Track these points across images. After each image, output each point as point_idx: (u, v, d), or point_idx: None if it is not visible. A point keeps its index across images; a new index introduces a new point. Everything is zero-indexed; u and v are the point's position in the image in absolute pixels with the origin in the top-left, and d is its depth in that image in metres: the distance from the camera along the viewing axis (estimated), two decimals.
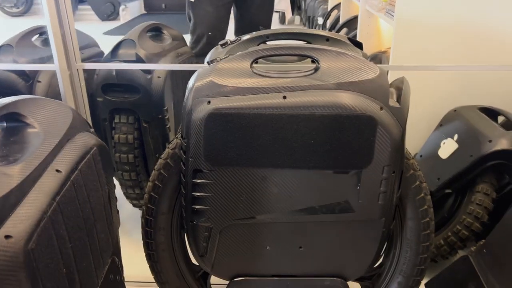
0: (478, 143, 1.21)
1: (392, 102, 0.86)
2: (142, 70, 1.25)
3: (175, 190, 0.96)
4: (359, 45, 1.07)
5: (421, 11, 1.41)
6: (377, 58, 1.11)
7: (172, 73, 1.35)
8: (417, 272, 0.99)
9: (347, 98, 0.83)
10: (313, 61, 0.96)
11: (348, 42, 1.06)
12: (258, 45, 1.08)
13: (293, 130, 0.84)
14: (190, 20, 1.85)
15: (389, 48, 2.02)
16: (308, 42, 1.07)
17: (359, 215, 0.88)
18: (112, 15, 6.20)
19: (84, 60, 1.36)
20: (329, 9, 3.26)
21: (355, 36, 2.20)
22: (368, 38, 2.09)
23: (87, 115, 1.10)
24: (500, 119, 1.34)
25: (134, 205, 1.45)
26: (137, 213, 1.50)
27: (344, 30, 2.55)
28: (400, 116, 0.85)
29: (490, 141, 1.19)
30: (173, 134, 1.37)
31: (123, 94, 1.27)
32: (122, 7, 6.28)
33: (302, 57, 1.02)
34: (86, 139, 0.80)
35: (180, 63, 1.40)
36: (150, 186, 0.97)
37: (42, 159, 0.65)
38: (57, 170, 0.66)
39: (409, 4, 1.41)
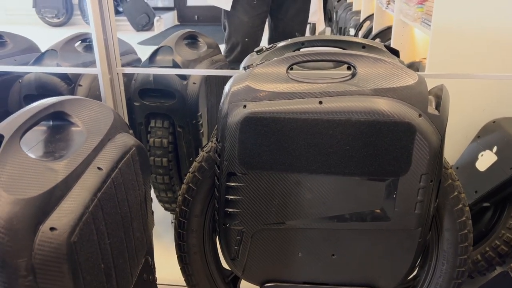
0: None
1: (431, 109, 0.84)
2: (178, 76, 1.28)
3: (209, 193, 0.97)
4: (395, 53, 1.06)
5: (458, 19, 1.38)
6: (414, 66, 1.10)
7: (207, 80, 1.37)
8: (454, 286, 0.95)
9: (384, 104, 0.82)
10: (349, 68, 0.95)
11: (384, 49, 1.05)
12: (293, 51, 1.09)
13: (328, 136, 0.83)
14: (225, 29, 1.88)
15: (424, 58, 1.99)
16: (344, 49, 1.07)
17: (394, 224, 0.87)
18: (147, 25, 6.38)
19: (123, 65, 1.40)
20: (361, 20, 3.24)
21: (389, 46, 2.18)
22: (403, 48, 2.06)
23: (125, 118, 1.13)
24: None
25: (166, 209, 1.47)
26: (169, 216, 1.52)
27: (377, 40, 2.53)
28: (439, 124, 0.83)
29: None
30: (205, 140, 1.38)
31: (159, 99, 1.30)
32: (156, 18, 6.46)
33: (338, 63, 1.02)
34: (126, 139, 0.82)
35: (216, 68, 1.42)
36: (184, 189, 0.98)
37: (85, 157, 0.67)
38: (99, 168, 0.68)
39: (447, 13, 1.39)
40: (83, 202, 0.61)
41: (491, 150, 1.28)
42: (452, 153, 1.50)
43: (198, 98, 1.31)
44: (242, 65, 1.08)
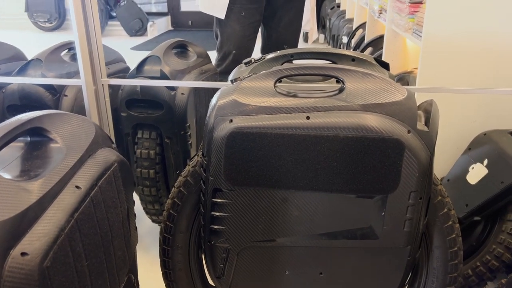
0: (510, 169, 1.15)
1: (420, 125, 0.83)
2: (166, 86, 1.25)
3: (194, 208, 0.95)
4: (385, 66, 1.05)
5: (450, 31, 1.38)
6: (404, 79, 1.09)
7: (196, 90, 1.35)
8: None
9: (373, 120, 0.80)
10: (338, 82, 0.94)
11: (374, 62, 1.04)
12: (282, 64, 1.07)
13: (316, 152, 0.82)
14: (217, 38, 1.86)
15: (416, 68, 1.99)
16: (333, 62, 1.06)
17: (383, 242, 0.85)
18: (140, 30, 6.35)
19: (110, 75, 1.38)
20: (354, 28, 3.24)
21: (380, 56, 2.17)
22: (394, 58, 2.06)
23: (110, 130, 1.10)
24: None
25: (153, 221, 1.45)
26: (156, 228, 1.49)
27: (369, 49, 2.53)
28: (429, 140, 0.82)
29: None
30: (194, 151, 1.36)
31: (147, 109, 1.28)
32: (150, 23, 6.44)
33: (327, 77, 1.00)
34: (108, 155, 0.79)
35: (204, 80, 1.40)
36: (169, 204, 0.96)
37: (62, 175, 0.65)
38: (77, 187, 0.66)
39: (438, 24, 1.38)
40: (58, 223, 0.59)
41: (482, 163, 1.27)
42: (442, 165, 1.49)
43: (187, 108, 1.29)
44: (230, 77, 1.06)
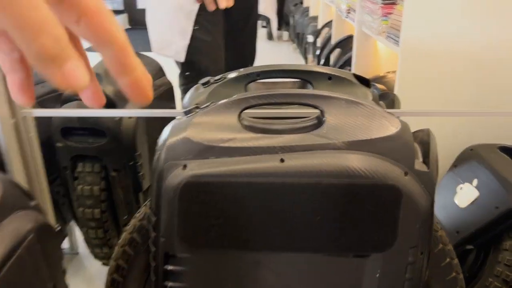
0: (504, 193, 1.04)
1: (419, 164, 0.68)
2: (107, 107, 1.05)
3: (145, 272, 0.77)
4: (366, 83, 0.90)
5: (430, 37, 1.25)
6: (389, 97, 0.94)
7: (147, 108, 1.15)
8: None
9: (361, 162, 0.64)
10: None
11: (354, 80, 0.88)
12: (247, 84, 0.90)
13: (293, 204, 0.65)
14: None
15: (389, 72, 1.86)
16: (307, 81, 0.90)
17: None
18: None
19: (43, 95, 1.16)
20: (319, 27, 3.11)
21: (350, 58, 2.04)
22: (365, 62, 1.93)
23: (37, 171, 0.89)
24: None
25: (104, 264, 1.25)
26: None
27: (338, 51, 2.40)
28: (429, 182, 0.67)
29: None
30: (147, 183, 1.17)
31: (87, 138, 1.08)
32: None
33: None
34: (20, 223, 0.60)
35: (157, 97, 1.21)
36: (112, 267, 0.77)
37: None
38: None
39: (417, 29, 1.25)
40: None
41: (471, 183, 1.15)
42: None
43: (136, 135, 1.09)
44: (184, 103, 0.88)
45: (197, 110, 0.73)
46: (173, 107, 1.34)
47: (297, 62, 4.15)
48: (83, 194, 1.09)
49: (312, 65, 0.94)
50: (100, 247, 1.16)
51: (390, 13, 1.48)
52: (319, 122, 0.69)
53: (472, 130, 1.32)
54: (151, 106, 1.24)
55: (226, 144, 0.66)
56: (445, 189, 1.22)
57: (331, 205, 0.65)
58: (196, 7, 1.43)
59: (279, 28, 5.14)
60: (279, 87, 0.96)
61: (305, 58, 3.53)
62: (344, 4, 2.14)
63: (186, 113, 0.75)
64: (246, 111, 0.69)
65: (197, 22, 1.48)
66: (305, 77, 0.88)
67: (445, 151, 1.35)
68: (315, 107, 0.70)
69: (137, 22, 6.66)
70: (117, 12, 6.62)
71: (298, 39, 3.93)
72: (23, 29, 0.25)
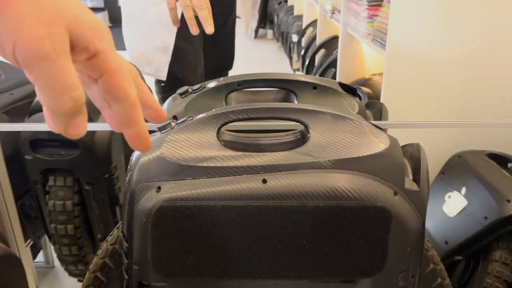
0: (493, 203, 1.01)
1: (409, 183, 0.64)
2: None
3: None
4: (353, 92, 0.86)
5: (418, 41, 1.21)
6: (376, 107, 0.90)
7: None
8: None
9: (348, 182, 0.60)
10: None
11: (340, 90, 0.84)
12: (227, 94, 0.85)
13: (277, 228, 0.60)
14: None
15: (374, 74, 1.83)
16: (290, 91, 0.85)
17: None
18: None
19: (12, 103, 1.09)
20: (303, 26, 3.07)
21: (335, 60, 2.01)
22: (350, 63, 1.90)
23: (2, 189, 0.83)
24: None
25: (80, 281, 1.18)
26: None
27: (322, 51, 2.36)
28: (420, 202, 0.63)
29: (508, 200, 0.99)
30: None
31: (58, 150, 1.01)
32: None
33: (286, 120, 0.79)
34: None
35: None
36: None
37: None
38: None
39: (404, 33, 1.21)
40: None
41: (460, 191, 1.13)
42: None
43: (111, 146, 1.03)
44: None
45: (173, 125, 0.68)
46: None
47: (282, 61, 4.10)
48: (55, 210, 1.03)
49: (296, 74, 0.90)
50: (75, 264, 1.10)
51: (375, 15, 1.45)
52: (304, 138, 0.65)
53: (460, 135, 1.30)
54: None
55: (204, 164, 0.61)
56: (433, 197, 1.20)
57: (317, 228, 0.60)
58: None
59: (263, 27, 5.08)
60: (262, 96, 0.91)
61: (290, 58, 3.49)
62: (329, 4, 2.10)
63: (161, 128, 0.70)
64: (226, 133, 0.64)
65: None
66: (288, 86, 0.83)
67: (433, 157, 1.32)
68: (299, 122, 0.66)
69: (117, 20, 6.52)
70: (97, 9, 6.47)
71: (283, 38, 3.88)
72: (50, 89, 0.30)
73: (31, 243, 1.29)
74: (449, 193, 1.15)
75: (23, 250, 1.11)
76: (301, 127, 0.67)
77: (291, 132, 0.71)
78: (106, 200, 1.07)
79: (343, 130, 0.64)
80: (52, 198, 1.03)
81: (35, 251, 1.40)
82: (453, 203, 1.12)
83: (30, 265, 1.30)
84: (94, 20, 0.35)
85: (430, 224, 1.15)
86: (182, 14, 1.33)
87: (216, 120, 0.66)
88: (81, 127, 0.34)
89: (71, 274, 1.15)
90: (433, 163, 1.28)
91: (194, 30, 1.08)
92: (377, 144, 0.63)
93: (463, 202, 1.10)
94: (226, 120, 0.66)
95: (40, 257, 1.47)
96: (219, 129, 0.65)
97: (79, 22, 0.32)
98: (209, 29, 1.07)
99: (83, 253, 1.09)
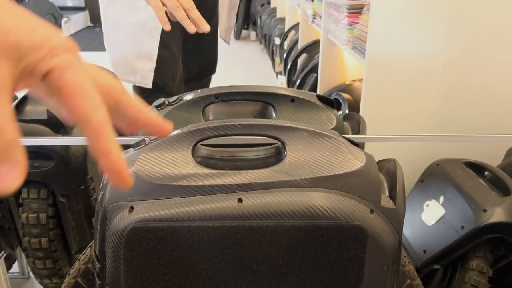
0: (470, 212, 1.02)
1: (385, 200, 0.64)
2: (54, 131, 0.97)
3: None
4: (331, 104, 0.86)
5: (397, 49, 1.22)
6: (354, 119, 0.90)
7: None
8: None
9: (325, 201, 0.60)
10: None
11: (318, 103, 0.84)
12: (204, 107, 0.84)
13: (253, 248, 0.60)
14: None
15: (355, 80, 1.84)
16: (268, 103, 0.85)
17: None
18: None
19: None
20: (286, 30, 3.07)
21: (317, 65, 2.01)
22: (331, 69, 1.90)
23: None
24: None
25: None
26: None
27: (304, 55, 2.37)
28: (396, 220, 0.63)
29: (484, 210, 1.00)
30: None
31: (32, 162, 0.98)
32: (64, 19, 5.83)
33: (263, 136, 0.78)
34: None
35: None
36: None
37: None
38: None
39: (383, 42, 1.22)
40: None
41: (438, 200, 1.14)
42: None
43: (86, 157, 1.01)
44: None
45: (147, 141, 0.66)
46: None
47: (265, 63, 4.09)
48: (28, 223, 1.00)
49: (274, 87, 0.89)
50: (49, 277, 1.07)
51: (355, 23, 1.45)
52: (280, 155, 0.64)
53: (438, 142, 1.31)
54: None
55: (179, 183, 0.60)
56: (412, 205, 1.20)
57: (293, 248, 0.60)
58: (159, 23, 1.31)
59: (246, 28, 5.07)
60: (240, 108, 0.90)
61: (273, 60, 3.49)
62: (310, 10, 2.10)
63: (134, 145, 0.68)
64: (201, 150, 0.63)
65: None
66: (266, 99, 0.83)
67: (412, 164, 1.34)
68: (276, 139, 0.65)
69: (98, 19, 6.42)
70: (78, 9, 6.36)
71: (265, 40, 3.88)
72: None
73: (5, 254, 1.25)
74: (428, 202, 1.16)
75: None
76: (277, 144, 0.66)
77: (268, 147, 0.70)
78: (82, 212, 1.05)
79: (319, 148, 0.63)
80: (26, 211, 1.00)
81: (9, 261, 1.36)
82: (431, 212, 1.13)
83: (4, 276, 1.27)
84: (43, 36, 0.30)
85: (409, 232, 1.16)
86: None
87: (191, 137, 0.64)
88: (8, 180, 0.26)
89: (46, 287, 1.13)
90: (411, 169, 1.29)
91: (191, 29, 1.06)
92: (353, 162, 0.63)
93: (441, 211, 1.11)
94: (202, 137, 0.65)
95: (15, 267, 1.43)
96: (194, 146, 0.64)
97: (21, 46, 0.28)
98: (206, 27, 1.06)
99: (58, 266, 1.07)
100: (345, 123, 0.89)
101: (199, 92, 0.83)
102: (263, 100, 0.82)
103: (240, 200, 0.60)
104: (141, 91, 1.47)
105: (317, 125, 0.83)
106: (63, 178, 1.00)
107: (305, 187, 0.61)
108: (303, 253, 0.60)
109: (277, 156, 0.66)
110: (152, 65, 1.32)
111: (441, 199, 1.13)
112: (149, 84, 1.33)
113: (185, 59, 1.63)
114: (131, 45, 1.34)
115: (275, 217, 0.59)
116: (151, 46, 1.32)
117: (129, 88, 1.44)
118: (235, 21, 1.66)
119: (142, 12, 1.24)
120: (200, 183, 0.60)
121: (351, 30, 1.47)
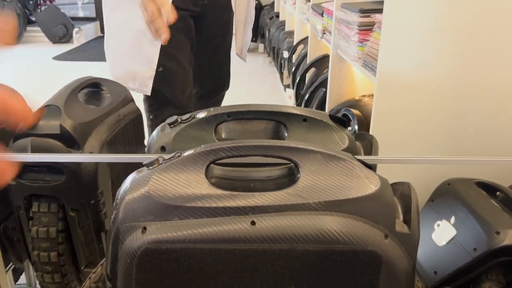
0: (483, 234, 1.01)
1: (399, 225, 0.63)
2: (66, 145, 0.97)
3: None
4: (343, 123, 0.86)
5: (409, 68, 1.22)
6: (366, 139, 0.90)
7: (113, 140, 1.08)
8: None
9: (339, 225, 0.59)
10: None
11: (330, 122, 0.84)
12: (217, 126, 0.84)
13: (265, 272, 0.59)
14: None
15: (364, 96, 1.84)
16: (280, 123, 0.85)
17: None
18: (65, 37, 5.80)
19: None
20: (295, 43, 3.09)
21: (326, 79, 2.01)
22: (340, 84, 1.91)
23: None
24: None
25: None
26: None
27: (313, 70, 2.37)
28: (411, 245, 0.63)
29: (497, 232, 0.99)
30: (109, 221, 1.08)
31: (43, 176, 0.99)
32: (76, 29, 5.90)
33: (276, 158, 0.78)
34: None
35: (122, 127, 1.13)
36: None
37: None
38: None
39: (395, 60, 1.22)
40: None
41: (449, 220, 1.12)
42: None
43: (97, 171, 1.01)
44: (148, 144, 0.81)
45: (160, 161, 0.66)
46: (142, 136, 1.26)
47: (273, 75, 4.11)
48: (38, 236, 1.00)
49: (286, 106, 0.89)
50: None
51: (366, 40, 1.46)
52: (294, 177, 0.64)
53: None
54: (119, 132, 1.16)
55: (192, 204, 0.60)
56: (423, 225, 1.19)
57: (306, 273, 0.59)
58: None
59: (255, 40, 5.10)
60: (252, 126, 0.90)
61: (281, 73, 3.50)
62: (320, 25, 2.11)
63: (148, 165, 0.68)
64: (214, 171, 0.63)
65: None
66: (279, 118, 0.83)
67: (422, 182, 1.33)
68: (290, 160, 0.65)
69: None
70: (89, 19, 6.44)
71: (274, 53, 3.89)
72: None
73: (13, 266, 1.25)
74: (438, 222, 1.15)
75: (2, 274, 1.08)
76: (291, 166, 0.66)
77: (281, 167, 0.70)
78: (91, 226, 1.04)
79: (333, 171, 0.63)
80: (36, 225, 1.00)
81: (17, 273, 1.36)
82: (442, 232, 1.12)
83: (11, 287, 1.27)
84: None
85: (420, 252, 1.14)
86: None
87: (204, 158, 0.64)
88: None
89: None
90: (422, 188, 1.28)
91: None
92: (368, 186, 0.62)
93: (452, 232, 1.09)
94: (215, 158, 0.65)
95: (23, 279, 1.43)
96: (207, 167, 0.64)
97: None
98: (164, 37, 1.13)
99: (66, 280, 1.06)
100: (357, 143, 0.89)
101: (211, 111, 0.83)
102: (275, 119, 0.82)
103: (253, 223, 0.59)
104: (150, 104, 1.47)
105: (330, 146, 0.83)
106: (74, 192, 1.00)
107: (319, 210, 0.60)
108: (316, 278, 0.59)
109: (290, 177, 0.65)
110: (152, 73, 1.32)
111: (452, 219, 1.12)
112: (148, 91, 1.33)
113: (199, 75, 1.63)
114: (132, 52, 1.34)
115: (288, 240, 0.58)
116: (152, 53, 1.32)
117: (142, 102, 1.45)
118: (251, 36, 1.66)
119: (143, 20, 1.24)
120: (214, 205, 0.60)
121: (362, 47, 1.48)
